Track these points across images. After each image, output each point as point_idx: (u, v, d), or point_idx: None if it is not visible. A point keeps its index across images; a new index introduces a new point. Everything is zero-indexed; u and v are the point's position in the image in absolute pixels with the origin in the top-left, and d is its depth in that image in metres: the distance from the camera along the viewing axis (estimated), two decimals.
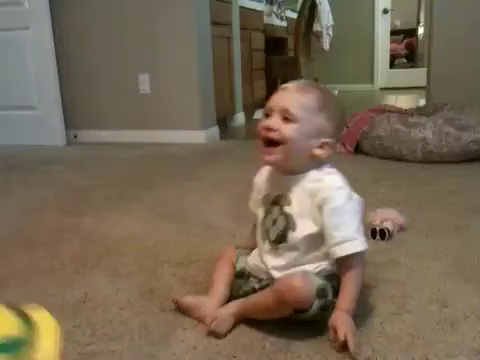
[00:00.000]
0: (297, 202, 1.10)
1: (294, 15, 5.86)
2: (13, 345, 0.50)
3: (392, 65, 7.89)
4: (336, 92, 6.69)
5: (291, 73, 5.37)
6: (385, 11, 7.43)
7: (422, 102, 4.06)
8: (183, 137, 3.49)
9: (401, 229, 1.68)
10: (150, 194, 2.26)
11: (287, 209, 1.11)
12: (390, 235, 1.62)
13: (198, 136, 3.50)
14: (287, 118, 1.04)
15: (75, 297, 1.31)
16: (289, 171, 1.11)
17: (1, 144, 3.56)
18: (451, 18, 3.37)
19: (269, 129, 1.05)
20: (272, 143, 1.06)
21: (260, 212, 1.18)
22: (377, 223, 1.64)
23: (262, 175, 1.20)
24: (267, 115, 1.08)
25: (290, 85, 1.09)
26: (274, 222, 1.13)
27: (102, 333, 1.13)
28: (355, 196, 1.09)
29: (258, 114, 4.61)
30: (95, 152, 3.36)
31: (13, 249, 1.66)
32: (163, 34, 3.42)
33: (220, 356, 1.02)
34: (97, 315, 1.21)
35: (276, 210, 1.13)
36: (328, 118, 1.08)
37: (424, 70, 3.82)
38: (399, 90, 6.71)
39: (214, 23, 3.68)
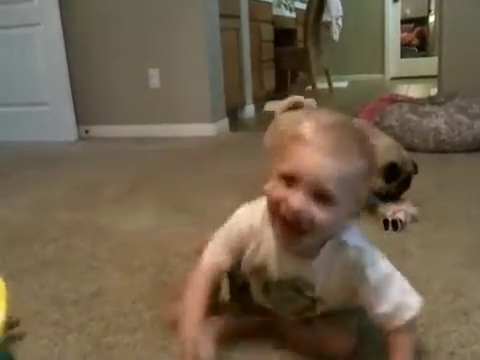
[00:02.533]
0: (322, 285, 0.89)
1: (303, 6, 5.83)
2: None
3: (403, 54, 7.82)
4: (346, 83, 6.65)
5: (301, 64, 5.35)
6: (395, 0, 7.36)
7: (434, 91, 4.02)
8: (193, 130, 3.49)
9: (413, 219, 1.67)
10: (162, 188, 2.27)
11: (309, 293, 0.91)
12: (402, 226, 1.61)
13: (208, 129, 3.50)
14: (322, 195, 0.77)
15: (89, 291, 1.32)
16: (307, 252, 0.87)
17: (13, 140, 3.59)
18: (462, 6, 3.33)
19: (297, 213, 0.77)
20: (297, 226, 0.79)
21: (253, 281, 0.97)
22: (389, 214, 1.64)
23: (255, 227, 0.92)
24: (288, 179, 0.79)
25: (322, 138, 0.78)
26: (291, 301, 0.94)
27: (116, 326, 1.14)
28: (376, 252, 0.89)
29: (269, 106, 4.59)
30: (107, 147, 3.38)
31: (27, 244, 1.68)
32: (172, 28, 3.42)
33: (235, 347, 1.03)
34: (111, 308, 1.23)
35: (291, 291, 0.92)
36: (371, 181, 0.86)
37: (435, 59, 3.77)
38: (411, 79, 6.65)
39: (223, 15, 3.67)
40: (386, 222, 1.62)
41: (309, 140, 0.78)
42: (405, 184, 1.74)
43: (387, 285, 0.85)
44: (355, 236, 0.88)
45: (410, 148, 2.65)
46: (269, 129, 2.03)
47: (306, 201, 0.76)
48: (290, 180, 0.78)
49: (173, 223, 1.80)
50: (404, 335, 0.86)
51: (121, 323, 1.15)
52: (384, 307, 0.84)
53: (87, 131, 3.77)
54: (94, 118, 3.76)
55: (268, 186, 0.82)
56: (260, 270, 0.92)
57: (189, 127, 3.52)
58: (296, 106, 1.95)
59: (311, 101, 2.07)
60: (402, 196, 1.76)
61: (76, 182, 2.48)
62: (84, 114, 3.73)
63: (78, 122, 3.72)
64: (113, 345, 1.07)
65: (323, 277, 0.87)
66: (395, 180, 1.71)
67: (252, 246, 0.91)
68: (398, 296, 0.85)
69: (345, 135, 0.79)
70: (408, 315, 0.85)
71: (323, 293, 0.89)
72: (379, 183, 1.68)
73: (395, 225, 1.60)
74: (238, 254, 0.93)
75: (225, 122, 3.72)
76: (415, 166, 1.79)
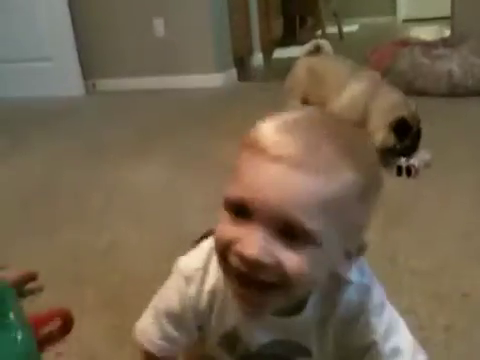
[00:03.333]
0: (319, 346, 0.63)
1: None
2: None
3: None
4: (356, 27, 6.47)
5: (309, 9, 5.19)
6: None
7: (447, 33, 3.90)
8: (201, 81, 3.43)
9: (427, 165, 1.65)
10: (170, 142, 2.26)
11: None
12: (416, 172, 1.60)
13: (215, 79, 3.44)
14: (292, 231, 0.49)
15: (104, 244, 1.35)
16: (287, 308, 0.58)
17: (19, 96, 3.55)
18: None
19: (253, 263, 0.49)
20: (258, 282, 0.51)
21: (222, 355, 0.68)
22: (403, 160, 1.62)
23: (202, 297, 0.63)
24: (240, 211, 0.50)
25: (285, 144, 0.49)
26: None
27: (133, 278, 1.16)
28: (380, 291, 0.62)
29: (279, 53, 4.50)
30: (114, 101, 3.35)
31: (39, 202, 1.70)
32: None
33: None
34: (128, 261, 1.25)
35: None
36: (370, 202, 0.54)
37: None
38: (423, 22, 6.45)
39: None
40: (400, 169, 1.61)
41: (267, 147, 0.49)
42: (417, 137, 1.71)
43: (398, 337, 0.61)
44: (358, 268, 0.60)
45: (422, 93, 2.60)
46: (289, 75, 2.06)
47: (266, 243, 0.49)
48: (244, 213, 0.50)
49: (185, 175, 1.80)
50: None
51: (138, 275, 1.17)
52: None
53: (94, 85, 3.73)
54: (100, 71, 3.70)
55: (218, 223, 0.54)
56: (231, 340, 0.64)
57: (196, 78, 3.46)
58: (318, 50, 1.98)
59: (325, 43, 2.04)
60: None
61: (86, 138, 2.48)
62: (90, 68, 3.68)
63: (85, 76, 3.67)
64: (130, 294, 1.09)
65: (317, 336, 0.62)
66: (407, 136, 1.68)
67: (210, 310, 0.63)
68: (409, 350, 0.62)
69: (326, 136, 0.50)
70: None
71: (324, 357, 0.64)
72: (389, 140, 1.66)
73: (409, 171, 1.59)
74: (192, 328, 0.65)
75: (232, 72, 3.65)
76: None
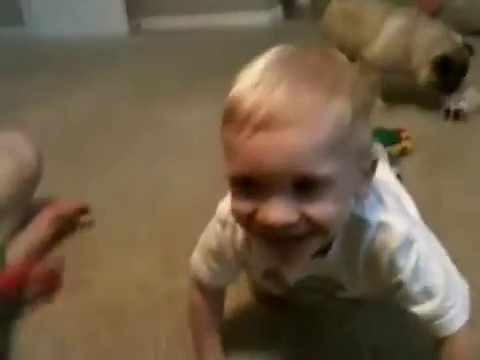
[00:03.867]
0: (351, 282, 0.66)
1: None
2: None
3: None
4: None
5: None
6: None
7: None
8: (246, 19, 3.37)
9: (478, 110, 1.61)
10: (217, 83, 2.25)
11: (342, 294, 0.70)
12: (464, 116, 1.56)
13: (262, 17, 3.38)
14: (307, 184, 0.49)
15: (150, 179, 1.40)
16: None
17: (62, 35, 3.56)
18: None
19: (282, 226, 0.50)
20: (289, 239, 0.52)
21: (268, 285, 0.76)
22: (451, 103, 1.58)
23: (237, 240, 0.65)
24: (249, 184, 0.50)
25: (272, 102, 0.47)
26: (322, 304, 0.78)
27: (182, 210, 1.21)
28: (405, 228, 0.59)
29: None
30: (159, 40, 3.34)
31: (88, 139, 1.75)
32: None
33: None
34: (173, 194, 1.30)
35: (318, 295, 0.74)
36: (364, 120, 0.53)
37: None
38: None
39: None
40: (447, 112, 1.57)
41: (247, 117, 0.48)
42: (462, 72, 1.64)
43: (429, 275, 0.60)
44: (377, 204, 0.61)
45: (477, 32, 2.48)
46: (323, 19, 2.02)
47: (286, 204, 0.49)
48: (254, 184, 0.50)
49: None
50: (460, 344, 0.62)
51: (186, 207, 1.22)
52: (427, 306, 0.61)
53: (139, 24, 3.72)
54: (145, 10, 3.69)
55: (230, 200, 0.55)
56: (272, 275, 0.70)
57: (242, 15, 3.40)
58: None
59: None
60: (465, 83, 1.68)
61: (133, 77, 2.50)
62: (135, 7, 3.67)
63: (129, 16, 3.67)
64: (180, 226, 1.13)
65: (348, 274, 0.64)
66: (449, 72, 1.62)
67: (249, 250, 0.66)
68: (447, 285, 0.61)
69: (297, 77, 0.49)
70: (457, 324, 0.61)
71: (358, 291, 0.69)
72: (433, 77, 1.60)
73: (456, 115, 1.55)
74: (233, 265, 0.70)
75: (278, 10, 3.56)
76: (469, 48, 1.68)
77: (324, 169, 0.48)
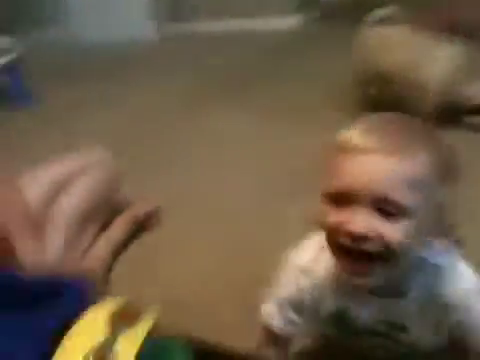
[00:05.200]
0: (418, 324, 0.72)
1: None
2: None
3: None
4: None
5: None
6: None
7: None
8: (277, 23, 3.41)
9: None
10: (257, 93, 2.36)
11: (404, 338, 0.74)
12: None
13: (292, 21, 3.43)
14: (389, 209, 0.61)
15: (209, 189, 1.56)
16: (391, 288, 0.70)
17: (88, 40, 3.62)
18: None
19: (361, 236, 0.62)
20: (364, 254, 0.63)
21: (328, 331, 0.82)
22: None
23: (310, 275, 0.75)
24: (342, 200, 0.63)
25: (373, 139, 0.63)
26: (381, 347, 0.79)
27: (237, 219, 1.37)
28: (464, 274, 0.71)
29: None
30: (188, 46, 3.38)
31: (147, 146, 1.90)
32: None
33: None
34: (230, 204, 1.45)
35: (380, 338, 0.76)
36: (447, 184, 0.66)
37: None
38: None
39: None
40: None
41: (357, 144, 0.63)
42: None
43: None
44: (440, 252, 0.70)
45: None
46: (357, 47, 1.95)
47: (369, 220, 0.61)
48: (345, 200, 0.63)
49: (274, 130, 1.93)
50: None
51: (241, 217, 1.38)
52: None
53: (163, 29, 3.75)
54: (173, 14, 3.75)
55: (320, 214, 0.66)
56: (337, 318, 0.75)
57: (273, 19, 3.44)
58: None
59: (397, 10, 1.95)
60: None
61: (173, 87, 2.58)
62: (164, 11, 3.73)
63: (156, 18, 3.73)
64: (239, 235, 1.28)
65: (418, 315, 0.71)
66: None
67: (316, 294, 0.75)
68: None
69: (401, 130, 0.64)
70: None
71: (420, 333, 0.73)
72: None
73: None
74: (310, 312, 0.77)
75: (311, 12, 3.60)
76: None
77: (404, 200, 0.60)
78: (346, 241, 0.62)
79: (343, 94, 2.04)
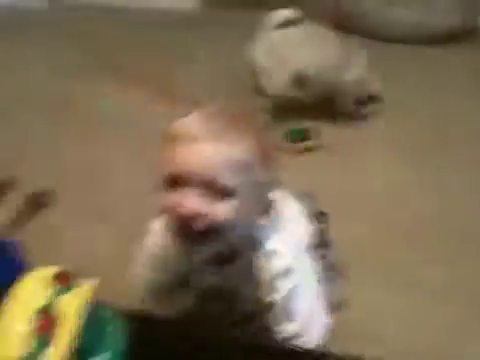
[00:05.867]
0: (246, 295, 0.82)
1: None
2: None
3: None
4: None
5: None
6: None
7: None
8: (168, 2, 3.36)
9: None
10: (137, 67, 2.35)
11: (240, 306, 0.84)
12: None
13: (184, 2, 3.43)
14: (216, 189, 0.69)
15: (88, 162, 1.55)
16: (222, 258, 0.79)
17: None
18: None
19: (191, 213, 0.69)
20: (196, 230, 0.70)
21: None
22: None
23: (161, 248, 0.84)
24: (176, 183, 0.70)
25: (196, 129, 0.70)
26: (221, 314, 0.85)
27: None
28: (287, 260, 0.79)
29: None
30: (78, 16, 3.20)
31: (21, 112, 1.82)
32: None
33: None
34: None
35: (218, 304, 0.85)
36: (264, 166, 0.74)
37: None
38: None
39: None
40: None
41: (187, 132, 0.69)
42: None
43: (299, 300, 0.79)
44: (276, 236, 0.79)
45: None
46: (255, 46, 1.87)
47: (198, 199, 0.68)
48: (178, 184, 0.69)
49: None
50: None
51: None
52: (292, 326, 0.79)
53: None
54: None
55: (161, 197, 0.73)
56: (184, 282, 0.85)
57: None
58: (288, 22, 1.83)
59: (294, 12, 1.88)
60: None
61: (50, 53, 2.51)
62: None
63: None
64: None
65: (244, 281, 0.81)
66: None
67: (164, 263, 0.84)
68: (308, 315, 0.80)
69: (227, 120, 0.71)
70: (313, 340, 0.80)
71: (248, 304, 0.83)
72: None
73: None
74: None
75: None
76: None
77: (227, 181, 0.68)
78: (178, 221, 0.70)
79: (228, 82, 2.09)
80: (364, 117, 1.92)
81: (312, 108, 1.91)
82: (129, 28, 3.02)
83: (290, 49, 1.83)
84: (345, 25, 2.69)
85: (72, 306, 0.35)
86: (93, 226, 1.29)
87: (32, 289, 0.36)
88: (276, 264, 0.77)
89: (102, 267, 1.08)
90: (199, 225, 0.69)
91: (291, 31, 1.85)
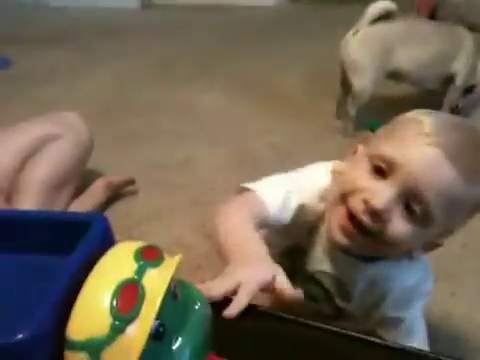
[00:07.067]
0: (359, 299, 0.73)
1: None
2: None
3: None
4: None
5: None
6: None
7: None
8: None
9: None
10: (229, 68, 2.35)
11: (340, 303, 0.74)
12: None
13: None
14: (413, 210, 0.58)
15: (180, 159, 1.57)
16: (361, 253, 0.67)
17: (73, 6, 3.50)
18: None
19: (376, 214, 0.58)
20: (363, 227, 0.60)
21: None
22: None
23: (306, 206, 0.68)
24: (379, 167, 0.59)
25: (446, 136, 0.57)
26: (313, 301, 0.76)
27: (210, 188, 1.40)
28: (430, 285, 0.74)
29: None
30: (170, 17, 3.36)
31: (118, 115, 1.88)
32: None
33: None
34: (202, 174, 1.48)
35: (319, 292, 0.75)
36: (471, 217, 0.63)
37: None
38: None
39: None
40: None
41: (430, 132, 0.57)
42: None
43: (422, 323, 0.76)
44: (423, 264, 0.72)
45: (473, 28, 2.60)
46: (348, 43, 1.69)
47: (391, 202, 0.57)
48: (382, 169, 0.59)
49: (243, 104, 1.96)
50: None
51: (213, 185, 1.42)
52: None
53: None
54: None
55: (345, 165, 0.64)
56: (295, 251, 0.73)
57: None
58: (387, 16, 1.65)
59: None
60: None
61: (148, 55, 2.57)
62: None
63: None
64: (209, 202, 1.31)
65: (363, 290, 0.71)
66: None
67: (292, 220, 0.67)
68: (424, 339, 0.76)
69: (475, 143, 0.59)
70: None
71: (355, 309, 0.74)
72: None
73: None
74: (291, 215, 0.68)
75: None
76: None
77: (436, 211, 0.56)
78: (357, 207, 0.59)
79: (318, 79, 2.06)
80: (460, 110, 1.79)
81: (415, 102, 1.82)
82: (208, 26, 3.06)
83: (389, 44, 1.69)
84: (439, 16, 2.58)
85: (159, 281, 0.33)
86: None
87: (118, 262, 0.35)
88: (426, 284, 0.72)
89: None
90: (372, 225, 0.58)
91: (388, 25, 1.69)
